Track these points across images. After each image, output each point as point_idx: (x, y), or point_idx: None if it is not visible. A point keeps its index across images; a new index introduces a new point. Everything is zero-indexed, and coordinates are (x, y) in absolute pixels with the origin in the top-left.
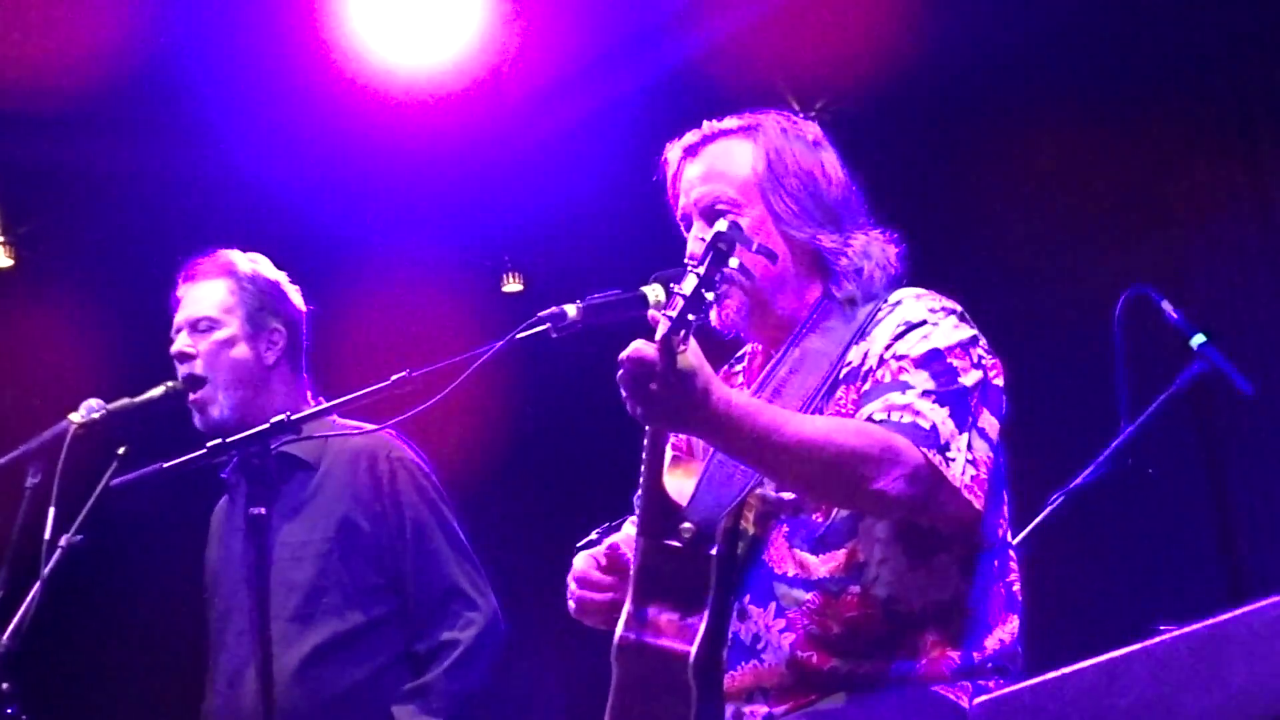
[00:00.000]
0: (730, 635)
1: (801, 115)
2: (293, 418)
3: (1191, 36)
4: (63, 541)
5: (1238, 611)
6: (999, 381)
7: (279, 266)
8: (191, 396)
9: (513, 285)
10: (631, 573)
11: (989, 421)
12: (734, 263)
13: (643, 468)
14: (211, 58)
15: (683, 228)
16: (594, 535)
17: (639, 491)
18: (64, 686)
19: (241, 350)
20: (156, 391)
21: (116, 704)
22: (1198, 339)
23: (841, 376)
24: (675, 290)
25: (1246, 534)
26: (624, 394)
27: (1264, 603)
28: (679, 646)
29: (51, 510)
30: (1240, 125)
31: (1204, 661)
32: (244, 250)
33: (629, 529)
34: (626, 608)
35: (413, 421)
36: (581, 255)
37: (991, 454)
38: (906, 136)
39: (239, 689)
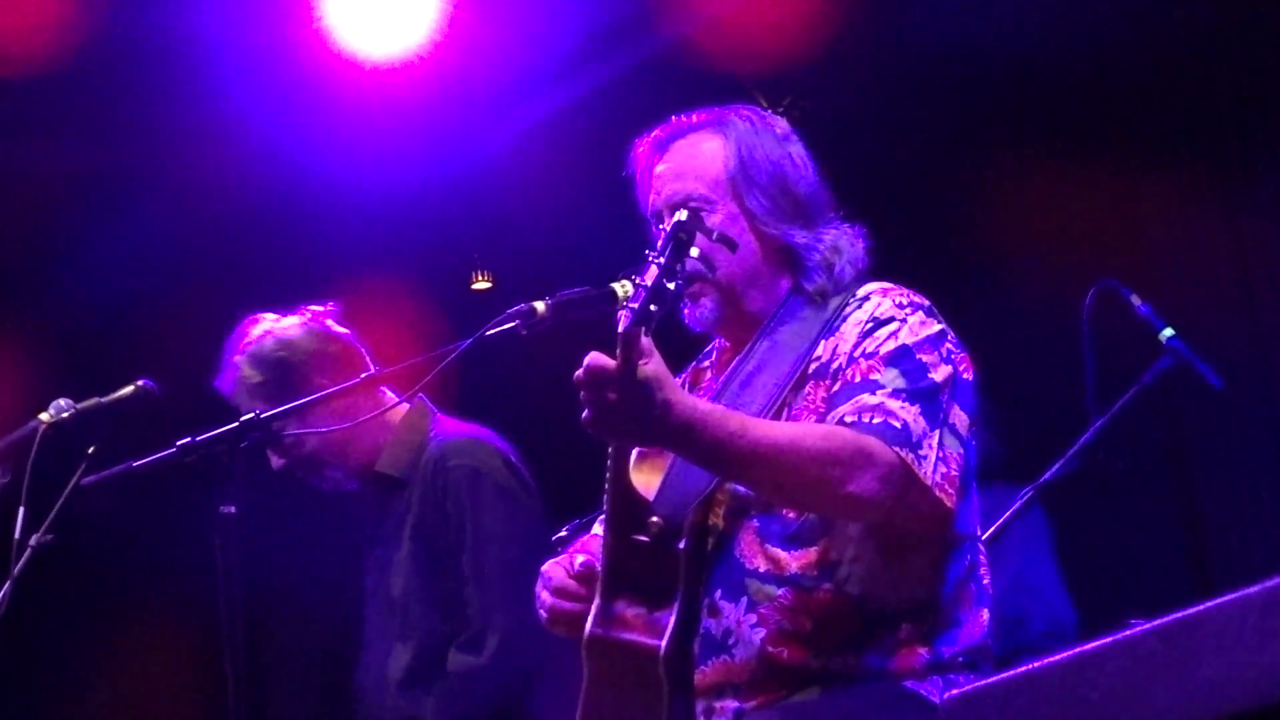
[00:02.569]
0: (701, 630)
1: (769, 109)
2: (262, 416)
3: (1162, 36)
4: (33, 541)
5: (1206, 604)
6: (968, 376)
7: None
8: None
9: (481, 283)
10: (600, 568)
11: (959, 417)
12: (694, 252)
13: (608, 462)
14: (171, 55)
15: (652, 224)
16: (564, 532)
17: (605, 486)
18: (34, 686)
19: (328, 424)
20: (126, 391)
21: (86, 703)
22: (1167, 333)
23: (810, 372)
24: (637, 282)
25: (1215, 527)
26: (584, 409)
27: (1232, 595)
28: (649, 641)
29: (21, 510)
30: (1209, 123)
31: (1174, 653)
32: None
33: (599, 528)
34: (596, 603)
35: None
36: (551, 253)
37: (962, 450)
38: (875, 131)
39: (370, 688)
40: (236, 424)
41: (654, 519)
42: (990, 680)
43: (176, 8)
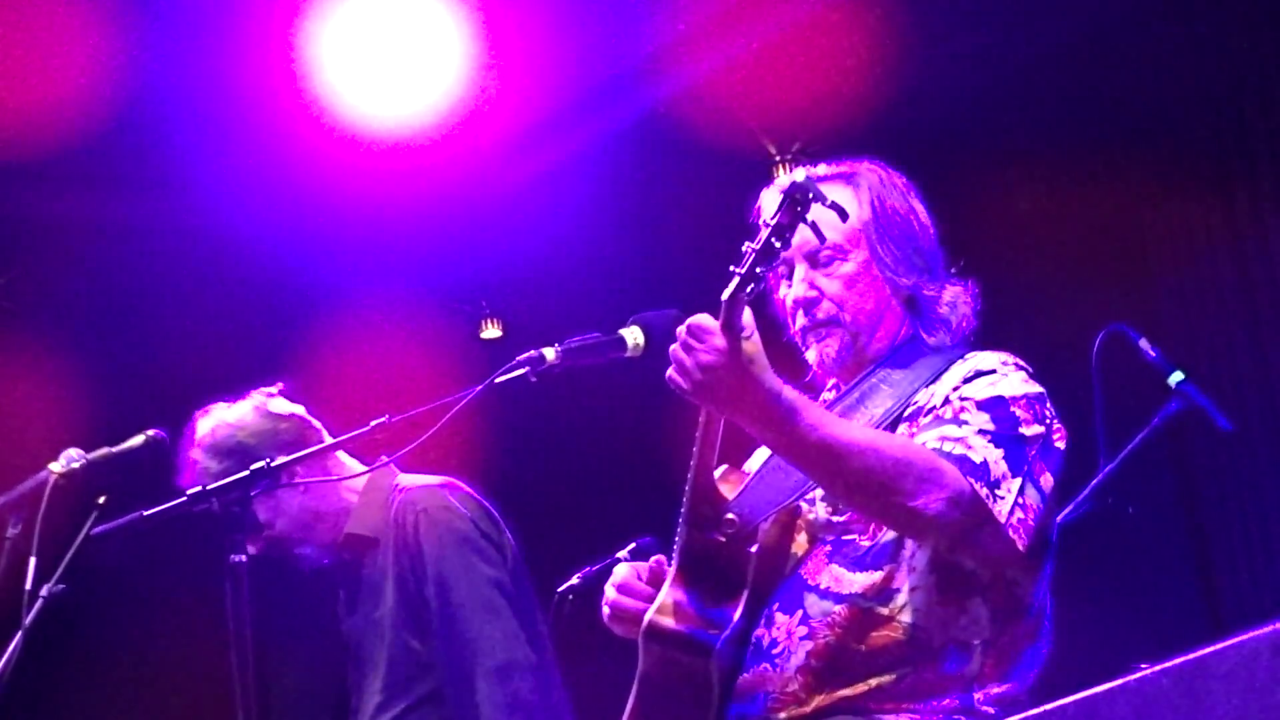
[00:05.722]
0: (754, 638)
1: (779, 157)
2: (273, 464)
3: (1168, 80)
4: (44, 591)
5: (1218, 645)
6: (1061, 445)
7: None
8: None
9: (491, 331)
10: (674, 558)
11: (1045, 479)
12: (810, 215)
13: (694, 453)
14: (189, 109)
15: (780, 271)
16: (575, 580)
17: (687, 480)
18: None
19: (292, 503)
20: (136, 441)
21: None
22: (1176, 376)
23: (906, 414)
24: (746, 246)
25: (1225, 568)
26: (675, 367)
27: (1243, 635)
28: (706, 636)
29: (32, 560)
30: (1216, 166)
31: (1185, 695)
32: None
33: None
34: (662, 593)
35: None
36: (560, 300)
37: (1043, 506)
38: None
39: None
40: (247, 472)
41: (730, 515)
42: None
43: (197, 81)
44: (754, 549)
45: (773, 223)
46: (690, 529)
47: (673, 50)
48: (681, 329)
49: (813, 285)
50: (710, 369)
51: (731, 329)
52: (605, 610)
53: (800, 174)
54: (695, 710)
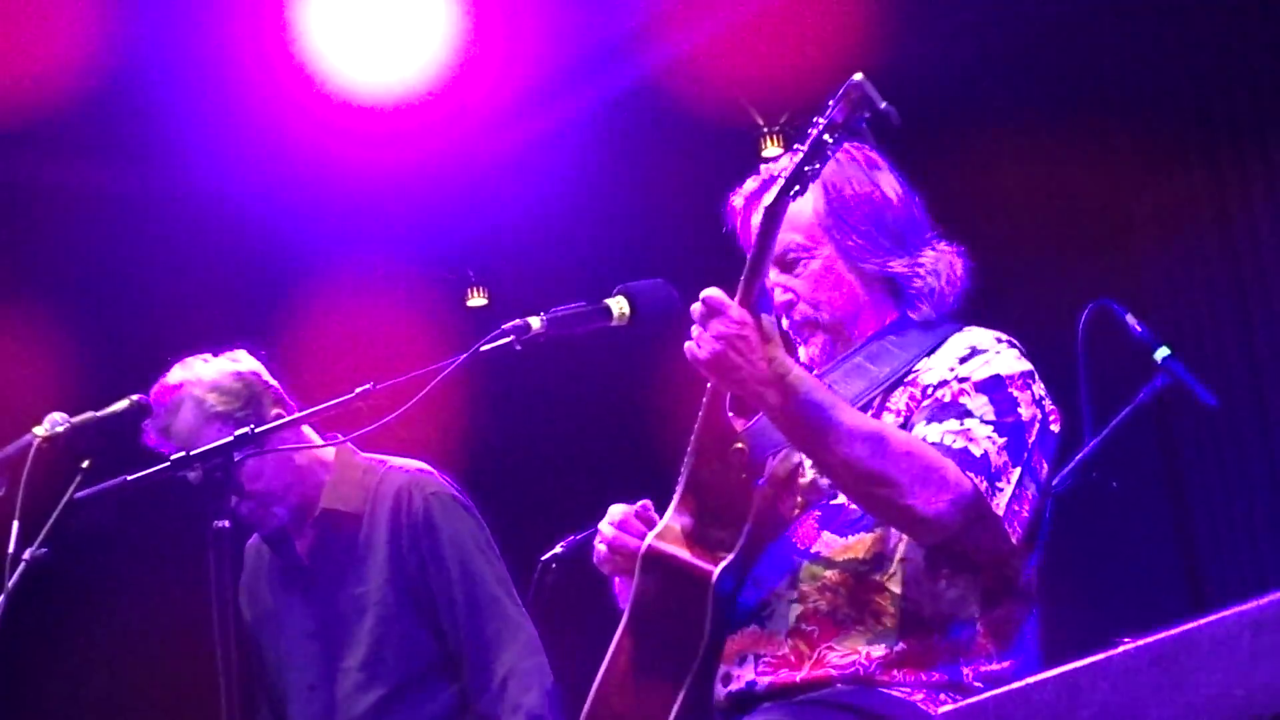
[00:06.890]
0: (741, 599)
1: (765, 128)
2: (256, 431)
3: (1154, 53)
4: (26, 555)
5: (1199, 621)
6: (1056, 429)
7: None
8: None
9: (477, 299)
10: (679, 486)
11: (1041, 465)
12: (865, 118)
13: (709, 386)
14: (175, 76)
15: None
16: (559, 549)
17: (701, 409)
18: (27, 700)
19: (268, 466)
20: (120, 405)
21: (79, 717)
22: (1161, 352)
23: (904, 380)
24: (796, 149)
25: (1208, 545)
26: (691, 340)
27: (1225, 612)
28: (705, 565)
29: (15, 524)
30: (1202, 141)
31: (1166, 671)
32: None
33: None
34: (665, 519)
35: (378, 435)
36: (546, 269)
37: (1038, 494)
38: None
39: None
40: (230, 438)
41: (738, 446)
42: (982, 697)
43: (183, 47)
44: (761, 483)
45: (825, 120)
46: (697, 458)
47: (660, 21)
48: (696, 305)
49: (786, 289)
50: (723, 343)
51: (751, 306)
52: (600, 548)
53: (859, 75)
54: (682, 642)
